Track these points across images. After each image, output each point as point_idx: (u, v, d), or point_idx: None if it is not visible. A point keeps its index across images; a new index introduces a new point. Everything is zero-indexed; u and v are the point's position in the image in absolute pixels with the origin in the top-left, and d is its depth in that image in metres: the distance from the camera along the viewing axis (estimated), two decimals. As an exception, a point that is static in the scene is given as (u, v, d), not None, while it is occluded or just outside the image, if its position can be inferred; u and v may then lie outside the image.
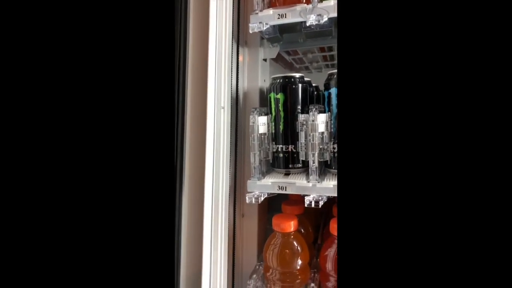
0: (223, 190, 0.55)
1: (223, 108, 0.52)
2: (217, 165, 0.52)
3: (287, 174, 0.57)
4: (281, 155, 0.57)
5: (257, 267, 0.60)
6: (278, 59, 0.86)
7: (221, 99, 0.52)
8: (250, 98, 0.67)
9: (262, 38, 0.67)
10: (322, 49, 0.84)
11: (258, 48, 0.67)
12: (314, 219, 0.70)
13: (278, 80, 0.56)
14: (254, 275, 0.57)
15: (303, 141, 0.53)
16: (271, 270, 0.55)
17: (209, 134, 0.51)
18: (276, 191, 0.55)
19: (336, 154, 0.53)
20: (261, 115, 0.55)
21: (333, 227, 0.52)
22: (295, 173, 0.57)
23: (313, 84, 0.62)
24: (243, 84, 0.67)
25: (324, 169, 0.57)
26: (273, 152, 0.58)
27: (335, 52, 0.80)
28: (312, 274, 0.56)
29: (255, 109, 0.55)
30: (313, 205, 0.50)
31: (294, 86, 0.55)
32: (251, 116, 0.54)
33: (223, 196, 0.55)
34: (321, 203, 0.50)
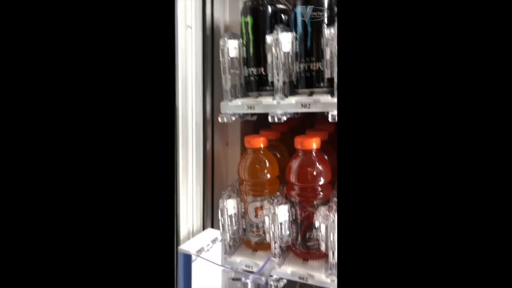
0: (193, 113, 0.60)
1: (190, 27, 0.56)
2: (184, 84, 0.58)
3: (258, 96, 0.61)
4: (252, 78, 0.61)
5: (234, 183, 0.67)
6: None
7: (187, 18, 0.55)
8: (231, 31, 0.70)
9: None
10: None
11: (239, -20, 0.69)
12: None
13: (247, 4, 0.58)
14: (229, 188, 0.64)
15: (270, 62, 0.56)
16: (244, 183, 0.62)
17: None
18: (246, 110, 0.59)
19: (302, 74, 0.56)
20: (232, 39, 0.58)
21: (297, 141, 0.57)
22: (266, 95, 0.61)
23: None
24: (225, 18, 0.70)
25: (293, 90, 0.60)
26: (246, 77, 0.62)
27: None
28: (281, 187, 0.62)
29: (226, 33, 0.58)
30: (276, 120, 0.55)
31: (262, 8, 0.57)
32: (221, 40, 0.58)
33: (193, 119, 0.61)
34: (283, 118, 0.55)
